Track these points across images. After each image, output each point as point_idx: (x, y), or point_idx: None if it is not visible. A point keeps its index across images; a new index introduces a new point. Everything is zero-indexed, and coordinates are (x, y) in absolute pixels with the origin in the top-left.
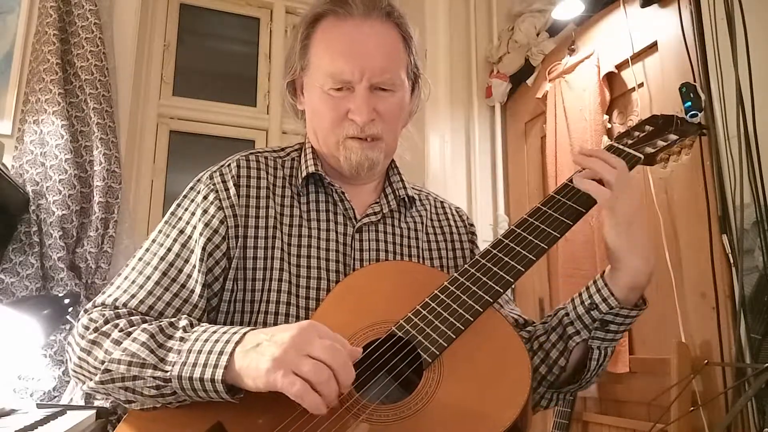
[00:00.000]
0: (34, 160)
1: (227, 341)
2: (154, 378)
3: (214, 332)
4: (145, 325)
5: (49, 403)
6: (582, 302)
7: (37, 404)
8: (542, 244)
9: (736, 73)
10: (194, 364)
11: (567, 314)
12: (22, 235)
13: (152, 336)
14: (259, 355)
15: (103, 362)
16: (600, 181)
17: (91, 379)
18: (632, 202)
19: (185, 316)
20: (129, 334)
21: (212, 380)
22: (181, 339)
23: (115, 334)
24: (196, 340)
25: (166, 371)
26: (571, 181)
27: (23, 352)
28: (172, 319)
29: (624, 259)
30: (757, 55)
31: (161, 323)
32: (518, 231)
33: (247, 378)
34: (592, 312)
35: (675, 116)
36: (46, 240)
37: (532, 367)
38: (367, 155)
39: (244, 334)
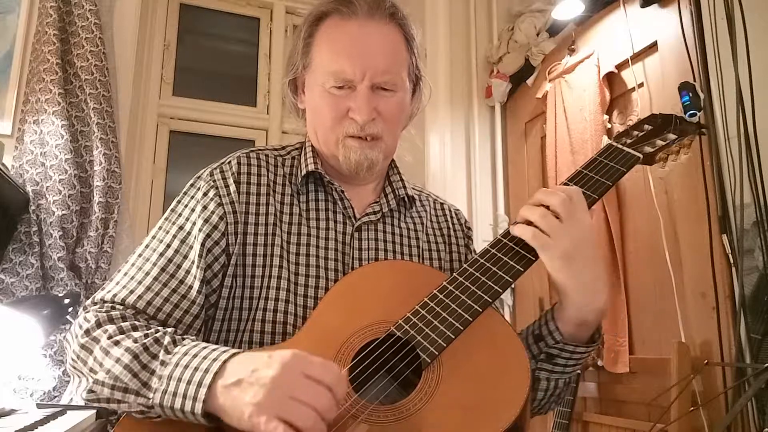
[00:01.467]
0: (34, 160)
1: (206, 370)
2: (138, 404)
3: (194, 357)
4: (129, 342)
5: (49, 403)
6: (532, 332)
7: (37, 404)
8: None
9: (736, 73)
10: (174, 394)
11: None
12: (22, 235)
13: (136, 357)
14: (241, 394)
15: (91, 370)
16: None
17: (87, 380)
18: (569, 235)
19: (171, 328)
20: (117, 342)
21: (192, 413)
22: (162, 363)
23: (104, 342)
24: (176, 365)
25: (149, 398)
26: (571, 179)
27: (23, 352)
28: (158, 333)
29: (566, 294)
30: (757, 55)
31: (146, 341)
32: None
33: (230, 418)
34: (539, 343)
35: (674, 116)
36: (46, 240)
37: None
38: (367, 155)
39: (225, 362)
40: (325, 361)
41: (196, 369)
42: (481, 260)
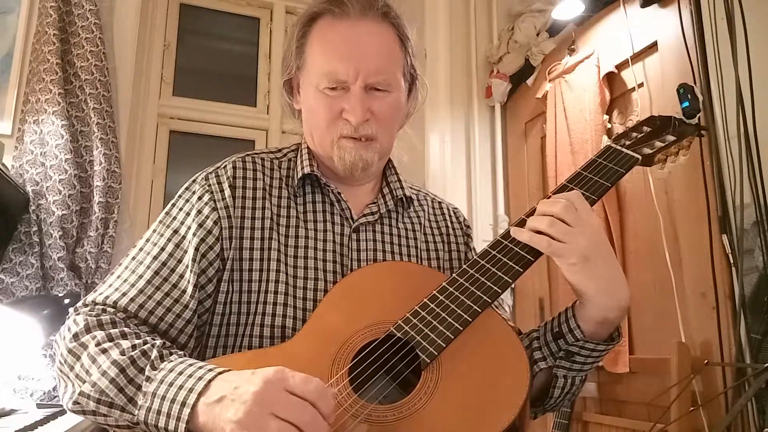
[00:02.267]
0: (34, 160)
1: (191, 390)
2: (124, 419)
3: (180, 374)
4: (116, 353)
5: (49, 403)
6: (551, 329)
7: (37, 404)
8: None
9: (736, 73)
10: (158, 412)
11: (537, 338)
12: (22, 235)
13: (122, 370)
14: (223, 411)
15: (77, 377)
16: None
17: (72, 385)
18: (583, 237)
19: (159, 340)
20: (104, 351)
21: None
22: (148, 379)
23: (92, 349)
24: (161, 382)
25: (134, 414)
26: (570, 180)
27: (23, 352)
28: (146, 345)
29: (586, 295)
30: (757, 55)
31: (133, 353)
32: None
33: None
34: (558, 341)
35: (673, 117)
36: (46, 240)
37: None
38: (361, 155)
39: (210, 381)
40: (307, 376)
41: (180, 387)
42: (481, 261)
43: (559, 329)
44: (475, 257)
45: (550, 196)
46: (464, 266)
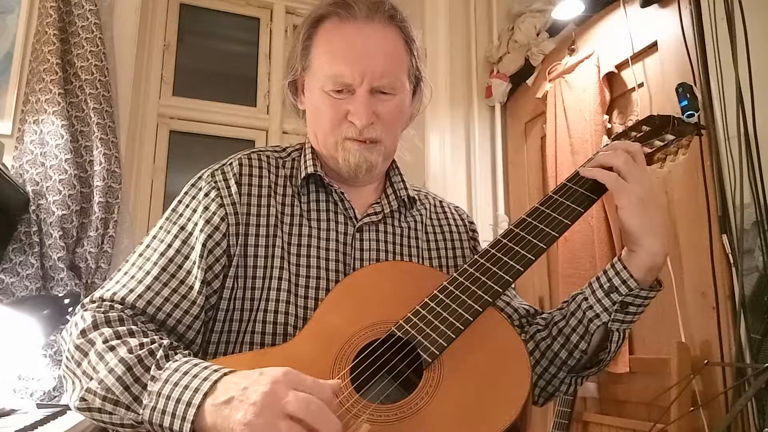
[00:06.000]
0: (34, 160)
1: (196, 390)
2: (129, 418)
3: (185, 374)
4: (124, 350)
5: (49, 403)
6: (600, 286)
7: (37, 404)
8: (541, 244)
9: (736, 73)
10: (163, 412)
11: (585, 299)
12: (22, 235)
13: (129, 369)
14: (232, 412)
15: (84, 373)
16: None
17: (79, 382)
18: (643, 182)
19: (166, 340)
20: (112, 348)
21: None
22: (153, 378)
23: (99, 345)
24: (166, 381)
25: (139, 414)
26: (576, 174)
27: (23, 352)
28: (153, 345)
29: (641, 240)
30: (757, 55)
31: (140, 352)
32: (517, 230)
33: None
34: (611, 295)
35: (672, 116)
36: (46, 240)
37: (547, 355)
38: (366, 157)
39: (216, 382)
40: (317, 380)
41: (186, 387)
42: (481, 260)
43: (611, 283)
44: (475, 256)
45: (551, 196)
46: (465, 265)
